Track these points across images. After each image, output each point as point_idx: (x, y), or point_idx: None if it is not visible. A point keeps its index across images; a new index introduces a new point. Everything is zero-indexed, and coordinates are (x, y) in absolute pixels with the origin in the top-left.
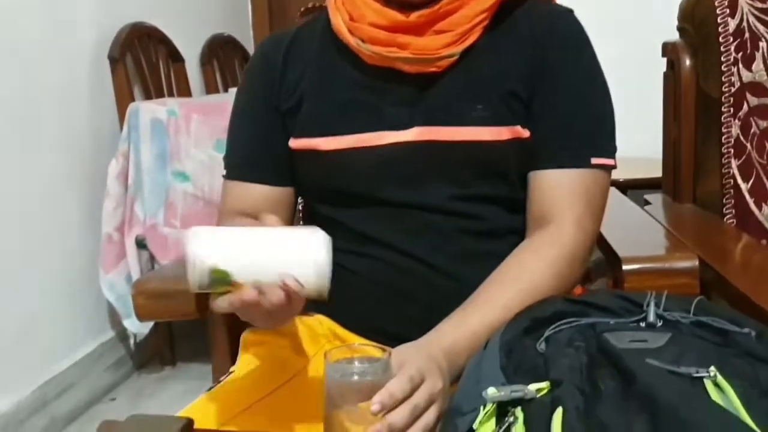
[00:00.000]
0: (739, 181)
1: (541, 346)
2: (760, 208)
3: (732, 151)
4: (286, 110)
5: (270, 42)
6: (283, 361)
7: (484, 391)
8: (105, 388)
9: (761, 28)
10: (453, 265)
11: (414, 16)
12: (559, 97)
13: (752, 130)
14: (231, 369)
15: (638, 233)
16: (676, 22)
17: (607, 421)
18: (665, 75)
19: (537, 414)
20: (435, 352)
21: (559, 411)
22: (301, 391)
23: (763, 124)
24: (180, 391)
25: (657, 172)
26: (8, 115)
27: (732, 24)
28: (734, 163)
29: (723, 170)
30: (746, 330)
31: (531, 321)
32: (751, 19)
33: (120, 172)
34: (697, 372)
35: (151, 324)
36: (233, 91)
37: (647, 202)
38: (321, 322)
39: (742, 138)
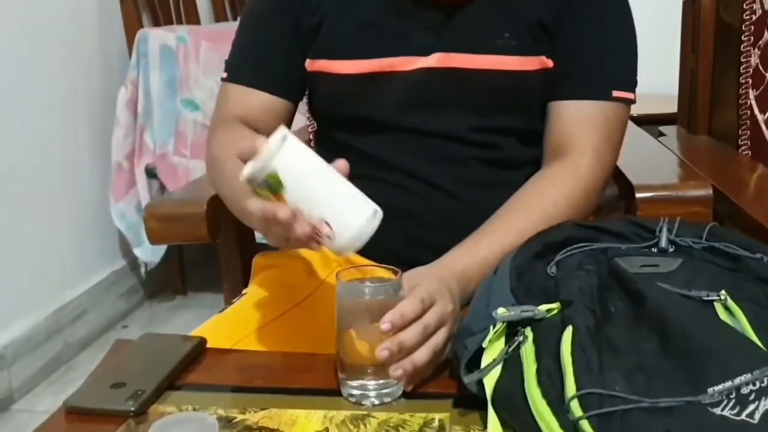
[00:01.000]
0: (756, 112)
1: (552, 269)
2: None
3: (750, 81)
4: (307, 28)
5: None
6: (295, 283)
7: (494, 311)
8: (117, 315)
9: None
10: (468, 192)
11: None
12: (585, 29)
13: None
14: (243, 291)
15: (652, 163)
16: None
17: (616, 341)
18: (684, 4)
19: (547, 333)
20: (446, 276)
21: (569, 330)
22: (312, 312)
23: None
24: (191, 319)
25: (672, 108)
26: (16, 43)
27: None
28: (752, 93)
29: (740, 101)
30: (758, 255)
31: (542, 245)
32: None
33: (129, 100)
34: (708, 295)
35: (161, 253)
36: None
37: (662, 134)
38: None
39: (761, 68)
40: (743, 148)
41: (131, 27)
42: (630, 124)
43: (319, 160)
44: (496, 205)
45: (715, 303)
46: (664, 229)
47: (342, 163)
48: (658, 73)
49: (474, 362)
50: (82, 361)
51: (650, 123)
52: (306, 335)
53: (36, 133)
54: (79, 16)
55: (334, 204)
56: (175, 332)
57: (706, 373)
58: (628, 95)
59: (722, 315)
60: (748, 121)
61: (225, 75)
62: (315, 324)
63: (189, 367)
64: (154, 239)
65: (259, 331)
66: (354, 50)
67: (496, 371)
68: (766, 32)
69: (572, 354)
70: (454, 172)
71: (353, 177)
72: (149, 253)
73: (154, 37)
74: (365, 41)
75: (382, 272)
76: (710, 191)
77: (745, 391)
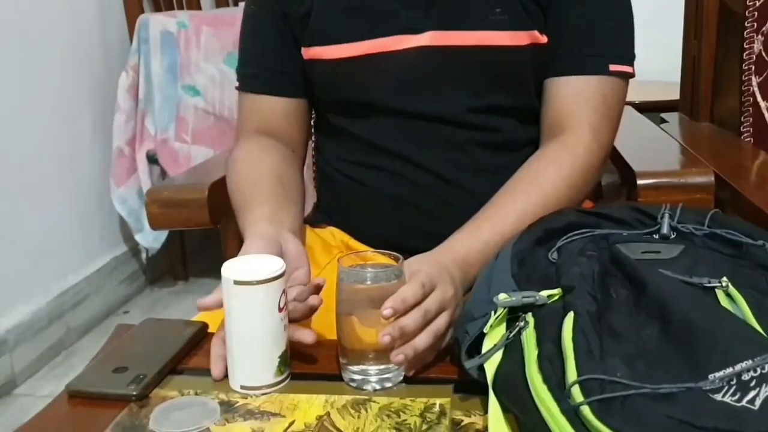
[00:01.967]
0: (759, 98)
1: (553, 255)
2: None
3: (753, 67)
4: (296, 18)
5: None
6: None
7: (495, 297)
8: (119, 301)
9: None
10: (466, 178)
11: None
12: (578, 1)
13: None
14: None
15: (654, 150)
16: None
17: (618, 327)
18: None
19: (548, 319)
20: (447, 262)
21: (570, 316)
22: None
23: None
24: (193, 305)
25: (674, 95)
26: (17, 28)
27: None
28: (755, 80)
29: (742, 87)
30: (760, 242)
31: (544, 231)
32: None
33: (130, 86)
34: (709, 282)
35: (163, 239)
36: (243, 5)
37: (663, 121)
38: (333, 234)
39: (764, 54)
40: (745, 134)
41: (132, 12)
42: (632, 110)
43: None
44: (494, 190)
45: (716, 289)
46: (666, 216)
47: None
48: (661, 59)
49: (475, 347)
50: (84, 346)
51: (652, 110)
52: (307, 321)
53: (37, 119)
54: (80, 2)
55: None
56: (176, 317)
57: (707, 359)
58: (626, 69)
59: (723, 302)
60: (751, 108)
61: (238, 84)
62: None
63: (191, 351)
64: (155, 225)
65: None
66: (344, 34)
67: (497, 356)
68: None
69: (573, 340)
70: (450, 156)
71: (349, 163)
72: (150, 239)
73: (155, 23)
74: (354, 24)
75: (383, 258)
76: (712, 178)
77: (745, 377)
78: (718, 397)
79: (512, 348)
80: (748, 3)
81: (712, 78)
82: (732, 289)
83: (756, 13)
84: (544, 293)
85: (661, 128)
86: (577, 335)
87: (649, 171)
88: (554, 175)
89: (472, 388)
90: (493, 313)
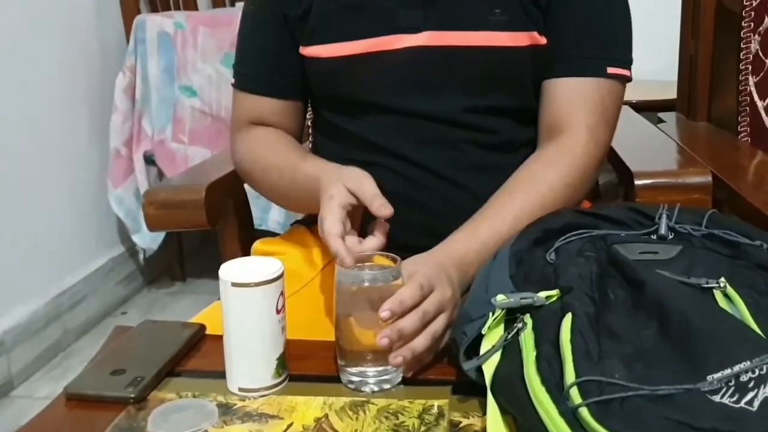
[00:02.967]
0: (756, 98)
1: (551, 256)
2: None
3: (750, 67)
4: (295, 17)
5: None
6: (295, 270)
7: (493, 298)
8: (116, 302)
9: None
10: (463, 177)
11: None
12: (578, 5)
13: None
14: None
15: (651, 149)
16: None
17: (616, 328)
18: None
19: (546, 320)
20: (445, 262)
21: (568, 317)
22: (311, 299)
23: None
24: (190, 305)
25: (671, 94)
26: (14, 28)
27: None
28: (752, 80)
29: (740, 87)
30: (758, 242)
31: (541, 232)
32: None
33: (127, 86)
34: (707, 283)
35: (160, 240)
36: (240, 5)
37: (661, 120)
38: None
39: (761, 54)
40: (743, 134)
41: (129, 13)
42: (629, 110)
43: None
44: (492, 189)
45: (714, 290)
46: (664, 216)
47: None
48: (658, 59)
49: (473, 349)
50: (81, 348)
51: (649, 109)
52: (305, 323)
53: (34, 119)
54: (76, 2)
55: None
56: (174, 318)
57: (705, 360)
58: (624, 72)
59: (721, 302)
60: (748, 108)
61: (233, 81)
62: (314, 312)
63: (188, 353)
64: (152, 226)
65: None
66: (342, 32)
67: (495, 358)
68: (766, 18)
69: (572, 341)
70: (448, 155)
71: (347, 161)
72: (148, 240)
73: (152, 23)
74: (353, 23)
75: (381, 259)
76: (709, 178)
77: (744, 378)
78: (717, 398)
79: (510, 349)
80: (744, 3)
81: (709, 78)
82: (730, 290)
83: (753, 12)
84: (542, 294)
85: (659, 128)
86: (575, 336)
87: (646, 171)
88: (552, 175)
89: (470, 389)
90: (491, 314)
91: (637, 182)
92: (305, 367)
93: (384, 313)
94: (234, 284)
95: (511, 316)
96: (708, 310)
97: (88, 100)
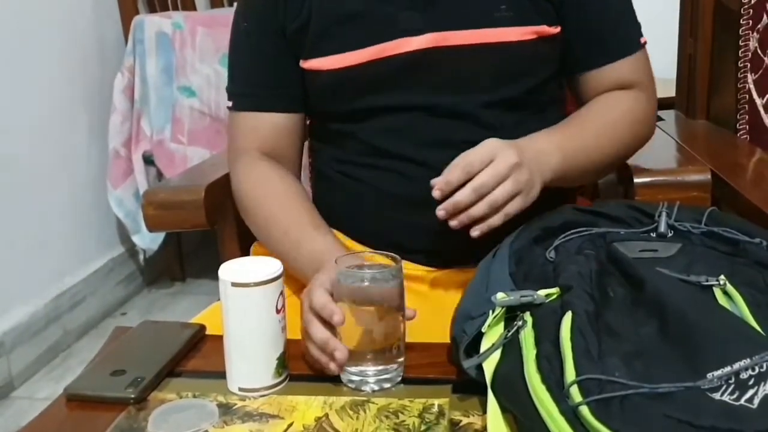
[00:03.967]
0: (755, 96)
1: (551, 254)
2: None
3: (749, 65)
4: (293, 31)
5: None
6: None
7: (493, 296)
8: (116, 302)
9: None
10: None
11: None
12: None
13: None
14: None
15: (650, 147)
16: None
17: (616, 326)
18: None
19: (546, 318)
20: (519, 143)
21: (568, 315)
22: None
23: None
24: (190, 306)
25: (670, 92)
26: (12, 29)
27: None
28: (750, 77)
29: (738, 85)
30: (757, 240)
31: (541, 230)
32: None
33: (126, 87)
34: (707, 280)
35: (160, 240)
36: (236, 7)
37: (659, 118)
38: None
39: (759, 52)
40: (742, 132)
41: (127, 13)
42: None
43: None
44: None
45: (714, 288)
46: (663, 214)
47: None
48: (656, 57)
49: (473, 347)
50: (81, 348)
51: None
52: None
53: (33, 120)
54: (75, 3)
55: None
56: (174, 319)
57: (705, 358)
58: (645, 38)
59: (721, 300)
60: (747, 105)
61: (230, 104)
62: None
63: (188, 353)
64: (152, 226)
65: None
66: (343, 44)
67: (496, 356)
68: (764, 16)
69: (571, 339)
70: (453, 155)
71: (350, 164)
72: (147, 240)
73: (150, 23)
74: (353, 33)
75: (380, 259)
76: (709, 176)
77: (744, 376)
78: (717, 396)
79: (511, 348)
80: (743, 1)
81: (708, 75)
82: (730, 288)
83: (751, 10)
84: (542, 292)
85: (658, 126)
86: (575, 335)
87: (645, 169)
88: (622, 106)
89: (470, 388)
90: (490, 312)
91: (637, 180)
92: (305, 366)
93: (435, 192)
94: (234, 284)
95: (511, 314)
96: (708, 308)
97: (86, 100)
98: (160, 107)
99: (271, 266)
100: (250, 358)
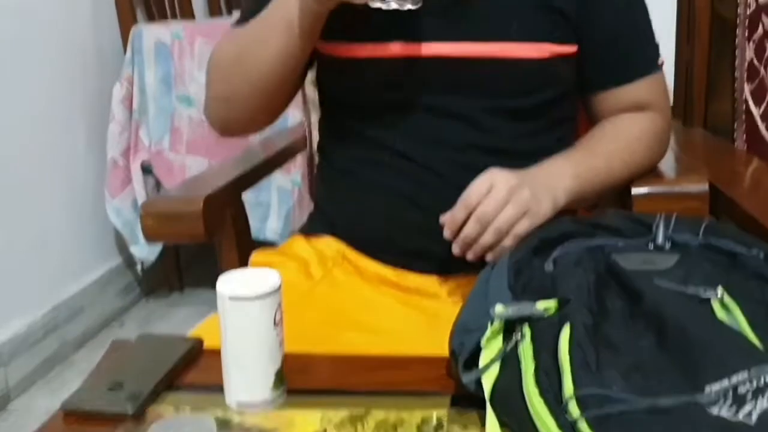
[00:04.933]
0: (752, 105)
1: (549, 266)
2: None
3: (745, 74)
4: None
5: None
6: (291, 282)
7: (492, 308)
8: (114, 313)
9: None
10: (469, 179)
11: None
12: (617, 13)
13: (767, 54)
14: None
15: None
16: None
17: (614, 339)
18: None
19: (544, 331)
20: (527, 171)
21: (566, 328)
22: (309, 310)
23: None
24: (188, 316)
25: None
26: (9, 37)
27: None
28: (747, 87)
29: (735, 94)
30: (755, 251)
31: (539, 241)
32: None
33: (125, 96)
34: (705, 292)
35: (158, 251)
36: (237, 14)
37: None
38: (329, 245)
39: (755, 61)
40: (739, 141)
41: (126, 22)
42: None
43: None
44: None
45: (712, 300)
46: (661, 225)
47: None
48: None
49: (472, 360)
50: (79, 359)
51: None
52: (300, 335)
53: (31, 129)
54: (73, 12)
55: None
56: (172, 329)
57: (702, 371)
58: (662, 59)
59: (719, 312)
60: (744, 115)
61: (236, 21)
62: (309, 325)
63: (186, 367)
64: (150, 237)
65: None
66: (367, 33)
67: (495, 369)
68: (760, 26)
69: (570, 352)
70: (455, 157)
71: (355, 162)
72: (145, 251)
73: (149, 33)
74: (377, 26)
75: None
76: (706, 186)
77: (742, 390)
78: (715, 410)
79: (509, 361)
80: (738, 10)
81: (705, 84)
82: (727, 300)
83: (747, 20)
84: (541, 305)
85: None
86: (574, 348)
87: (642, 179)
88: (634, 129)
89: (469, 401)
90: (489, 324)
91: (634, 191)
92: (303, 380)
93: (445, 232)
94: (231, 298)
95: (510, 327)
96: (706, 321)
97: (85, 110)
98: (158, 117)
99: (269, 279)
100: (248, 372)
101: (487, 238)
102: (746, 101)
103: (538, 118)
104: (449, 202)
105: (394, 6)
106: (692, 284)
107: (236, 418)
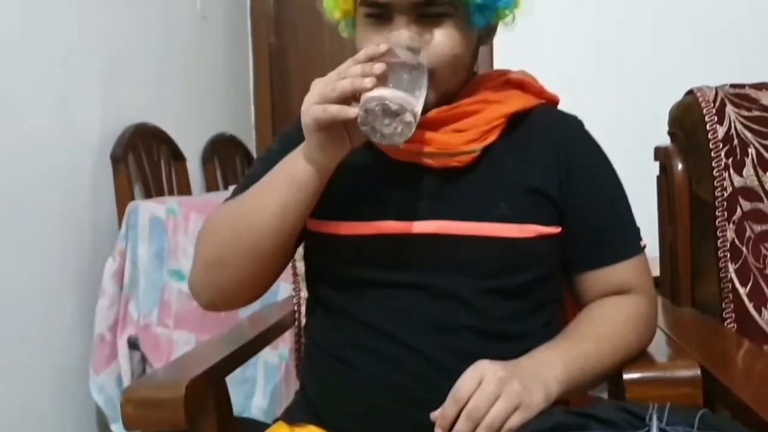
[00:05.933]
0: (737, 285)
1: None
2: (759, 312)
3: (728, 255)
4: None
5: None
6: None
7: None
8: None
9: (749, 135)
10: (462, 366)
11: (433, 112)
12: (600, 200)
13: (747, 235)
14: None
15: None
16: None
17: None
18: (658, 178)
19: None
20: (516, 362)
21: None
22: None
23: (757, 228)
24: None
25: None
26: (9, 209)
27: (721, 131)
28: (731, 267)
29: (720, 274)
30: None
31: None
32: (739, 126)
33: (116, 271)
34: None
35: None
36: (233, 188)
37: None
38: None
39: (737, 242)
40: (728, 320)
41: (123, 198)
42: None
43: None
44: None
45: None
46: (654, 418)
47: None
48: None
49: None
50: None
51: None
52: None
53: (20, 301)
54: (72, 187)
55: None
56: None
57: None
58: (644, 242)
59: None
60: (731, 294)
61: (232, 193)
62: None
63: None
64: (131, 425)
65: None
66: (354, 213)
67: None
68: (738, 208)
69: None
70: (446, 340)
71: (345, 347)
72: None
73: (144, 209)
74: (365, 206)
75: None
76: (698, 372)
77: None
78: None
79: None
80: (716, 194)
81: (689, 263)
82: None
83: (725, 203)
84: None
85: None
86: None
87: (635, 364)
88: (621, 314)
89: None
90: None
91: (626, 376)
92: None
93: (436, 430)
94: None
95: None
96: None
97: (76, 285)
98: (148, 291)
99: None
100: None
101: None
102: (732, 281)
103: (525, 297)
104: (438, 393)
105: (385, 142)
106: None
107: None
